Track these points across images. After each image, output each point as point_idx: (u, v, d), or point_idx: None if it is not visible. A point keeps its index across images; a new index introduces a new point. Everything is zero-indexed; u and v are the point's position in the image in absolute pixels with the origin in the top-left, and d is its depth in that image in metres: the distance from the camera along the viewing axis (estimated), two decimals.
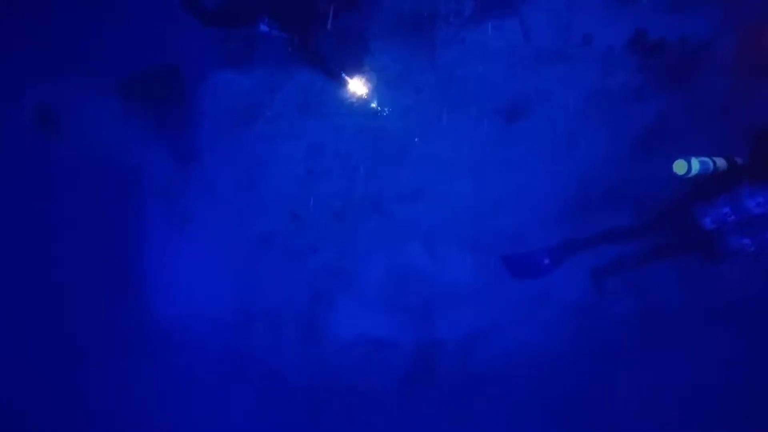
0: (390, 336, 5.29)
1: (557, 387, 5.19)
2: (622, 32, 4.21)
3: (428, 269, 5.09)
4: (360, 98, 4.36)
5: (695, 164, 2.99)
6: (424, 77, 4.35)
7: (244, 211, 5.08)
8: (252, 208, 5.05)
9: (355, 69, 4.30)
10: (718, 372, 4.80)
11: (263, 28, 4.03)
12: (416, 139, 4.63)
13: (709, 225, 3.34)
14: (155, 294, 5.40)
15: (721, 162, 3.13)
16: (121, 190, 5.04)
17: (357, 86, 4.30)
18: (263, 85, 4.60)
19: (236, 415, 5.77)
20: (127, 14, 4.75)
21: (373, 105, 4.41)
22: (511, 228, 4.86)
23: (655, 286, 4.84)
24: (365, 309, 5.20)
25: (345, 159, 4.80)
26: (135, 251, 5.20)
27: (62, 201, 5.11)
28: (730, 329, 4.70)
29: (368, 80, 4.32)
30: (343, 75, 4.21)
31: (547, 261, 4.15)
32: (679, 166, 3.00)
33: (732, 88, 4.30)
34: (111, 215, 5.05)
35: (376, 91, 4.36)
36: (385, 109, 4.42)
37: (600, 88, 4.34)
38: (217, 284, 5.41)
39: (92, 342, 5.30)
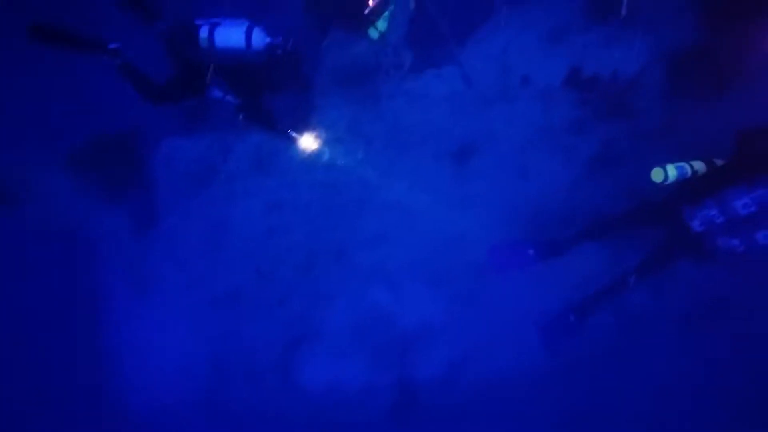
0: (367, 379, 5.29)
1: (540, 407, 5.24)
2: (557, 71, 4.36)
3: (396, 310, 5.13)
4: (312, 153, 4.43)
5: (671, 170, 3.08)
6: (373, 128, 4.44)
7: (209, 271, 5.07)
8: (216, 268, 5.04)
9: (304, 126, 4.36)
10: (697, 376, 4.90)
11: (216, 94, 4.10)
12: None
13: (697, 227, 3.35)
14: (125, 366, 5.31)
15: (699, 165, 3.20)
16: (80, 263, 4.97)
17: (308, 142, 4.36)
18: (216, 147, 4.63)
19: None
20: (77, 85, 4.74)
21: (326, 158, 4.47)
22: (474, 261, 4.95)
23: (628, 298, 4.93)
24: (338, 355, 5.20)
25: (304, 213, 4.84)
26: (99, 323, 5.10)
27: (23, 276, 5.02)
28: (707, 333, 4.81)
29: (319, 135, 4.38)
30: (293, 133, 4.27)
31: (531, 251, 4.08)
32: (656, 174, 3.08)
33: (666, 112, 4.50)
34: (72, 290, 4.97)
35: (328, 145, 4.42)
36: (339, 162, 4.48)
37: (543, 124, 4.49)
38: (187, 345, 5.35)
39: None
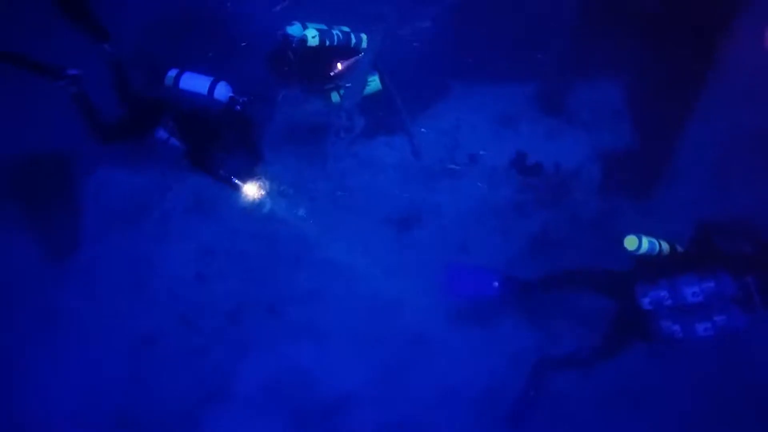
0: None
1: None
2: (504, 153, 4.53)
3: (322, 372, 4.95)
4: (254, 204, 4.34)
5: (645, 243, 3.15)
6: (318, 186, 4.42)
7: (127, 311, 4.76)
8: (135, 309, 4.74)
9: (249, 175, 4.29)
10: None
11: (161, 135, 4.03)
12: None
13: (646, 305, 3.37)
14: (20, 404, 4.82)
15: (665, 246, 3.28)
16: None
17: (251, 192, 4.28)
18: (153, 184, 4.47)
19: None
20: (17, 94, 4.50)
21: (267, 210, 4.39)
22: (409, 328, 4.89)
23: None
24: (254, 415, 4.92)
25: (238, 262, 4.69)
26: None
27: None
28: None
29: (262, 186, 4.32)
30: (236, 181, 4.20)
31: (496, 284, 3.90)
32: (630, 242, 3.16)
33: (599, 206, 4.73)
34: None
35: (270, 197, 4.35)
36: (279, 215, 4.41)
37: (487, 201, 4.60)
38: (93, 388, 4.93)
39: None
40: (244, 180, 4.29)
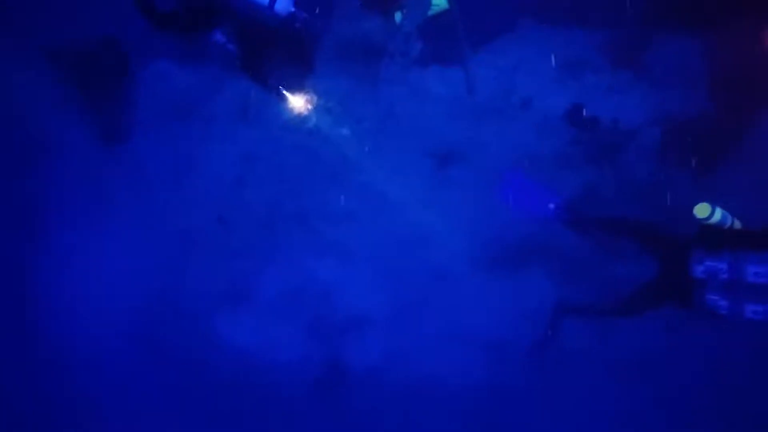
0: (296, 350, 5.27)
1: (467, 418, 5.30)
2: (560, 103, 4.32)
3: (344, 290, 5.11)
4: (300, 116, 4.33)
5: (718, 213, 3.03)
6: (365, 108, 4.35)
7: (168, 205, 4.94)
8: (176, 204, 4.92)
9: (298, 87, 4.26)
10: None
11: (219, 38, 3.99)
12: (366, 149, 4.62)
13: (698, 273, 3.21)
14: (63, 274, 5.19)
15: (737, 223, 3.15)
16: (36, 160, 4.80)
17: (298, 104, 4.27)
18: (205, 85, 4.50)
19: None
20: None
21: (312, 124, 4.38)
22: (434, 264, 4.95)
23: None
24: (274, 320, 5.17)
25: (277, 171, 4.75)
26: (42, 232, 4.96)
27: None
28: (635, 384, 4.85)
29: (310, 101, 4.29)
30: (284, 91, 4.18)
31: (552, 206, 3.88)
32: (702, 210, 3.03)
33: (652, 173, 4.51)
34: (21, 185, 4.80)
35: (317, 112, 4.33)
36: (324, 131, 4.40)
37: (533, 150, 4.45)
38: (128, 275, 5.24)
39: None
40: (292, 91, 4.27)
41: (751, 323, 3.12)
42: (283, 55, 4.12)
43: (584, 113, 4.38)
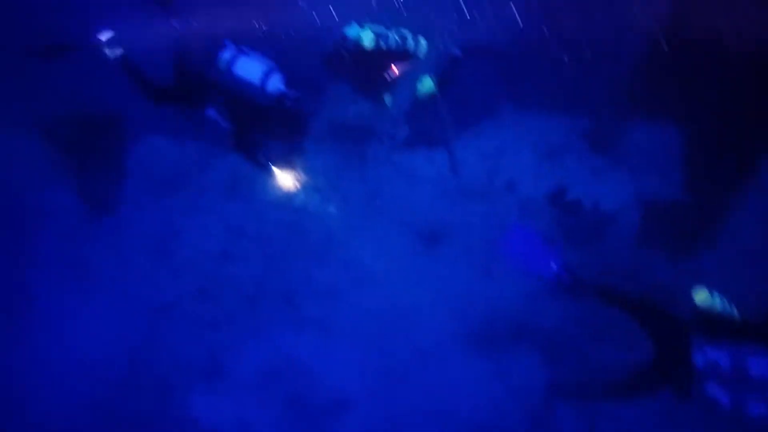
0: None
1: None
2: (543, 185, 4.44)
3: (324, 367, 4.98)
4: (288, 193, 4.39)
5: (716, 299, 2.98)
6: (353, 187, 4.43)
7: (150, 275, 4.90)
8: (158, 274, 4.88)
9: (286, 164, 4.34)
10: None
11: (211, 114, 4.09)
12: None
13: (698, 361, 3.06)
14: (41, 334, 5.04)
15: (734, 312, 3.08)
16: (23, 227, 4.78)
17: (286, 181, 4.33)
18: (194, 159, 4.59)
19: None
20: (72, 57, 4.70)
21: (299, 201, 4.43)
22: (418, 341, 4.87)
23: None
24: (250, 398, 4.99)
25: (263, 246, 4.76)
26: (23, 299, 4.87)
27: None
28: None
29: (298, 177, 4.36)
30: (273, 167, 4.25)
31: (554, 266, 3.73)
32: (700, 295, 2.99)
33: (633, 257, 4.57)
34: (6, 248, 4.76)
35: (305, 190, 4.39)
36: (310, 208, 4.45)
37: None
38: (105, 343, 5.10)
39: None
40: (281, 168, 4.34)
41: (753, 419, 3.05)
42: (274, 132, 4.22)
43: (566, 196, 4.49)
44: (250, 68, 3.89)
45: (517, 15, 5.02)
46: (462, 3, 4.91)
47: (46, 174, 4.65)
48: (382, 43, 4.33)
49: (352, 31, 4.29)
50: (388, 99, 4.50)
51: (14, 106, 4.59)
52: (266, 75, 3.85)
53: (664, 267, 4.58)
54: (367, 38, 4.26)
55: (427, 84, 4.52)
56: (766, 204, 4.45)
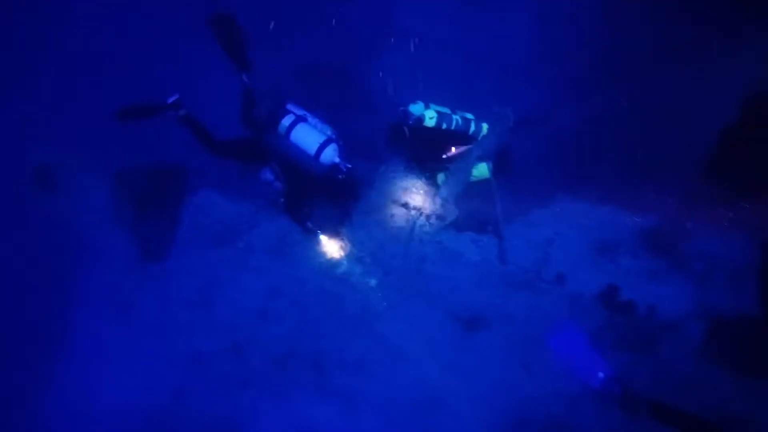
0: None
1: None
2: (594, 282, 4.22)
3: None
4: (330, 261, 4.40)
5: None
6: (395, 262, 4.37)
7: (187, 325, 4.98)
8: (195, 326, 4.95)
9: (333, 232, 4.38)
10: None
11: (267, 176, 4.23)
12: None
13: None
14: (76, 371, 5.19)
15: None
16: (77, 266, 5.03)
17: (331, 249, 4.36)
18: (246, 215, 4.70)
19: None
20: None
21: (341, 270, 4.42)
22: (442, 426, 4.62)
23: None
24: None
25: (301, 310, 4.75)
26: (65, 334, 5.06)
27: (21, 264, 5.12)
28: None
29: (343, 247, 4.37)
30: (320, 234, 4.29)
31: (601, 375, 3.50)
32: None
33: (694, 371, 4.18)
34: (57, 290, 5.00)
35: (348, 260, 4.39)
36: (352, 278, 4.42)
37: None
38: (140, 386, 5.17)
39: None
40: (328, 236, 4.39)
41: None
42: (324, 201, 4.30)
43: (619, 296, 4.23)
44: (307, 137, 4.00)
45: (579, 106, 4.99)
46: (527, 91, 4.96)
47: (106, 217, 4.91)
48: (444, 123, 4.38)
49: (417, 108, 4.37)
50: (441, 179, 4.50)
51: (91, 152, 4.94)
52: (322, 145, 3.95)
53: (729, 387, 4.14)
54: (430, 117, 4.32)
55: (482, 169, 4.50)
56: None
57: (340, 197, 4.25)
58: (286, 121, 4.05)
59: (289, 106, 4.23)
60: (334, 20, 6.02)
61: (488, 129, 4.57)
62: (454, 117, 4.47)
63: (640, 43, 5.50)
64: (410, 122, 4.35)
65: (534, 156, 4.91)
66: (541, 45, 6.04)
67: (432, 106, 4.45)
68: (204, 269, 4.84)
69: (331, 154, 3.98)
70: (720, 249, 4.34)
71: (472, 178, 4.43)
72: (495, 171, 4.52)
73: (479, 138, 4.51)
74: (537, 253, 4.31)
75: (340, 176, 3.99)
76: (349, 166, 3.97)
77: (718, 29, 5.03)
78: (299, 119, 4.10)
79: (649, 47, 5.45)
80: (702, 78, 5.19)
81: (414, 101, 4.43)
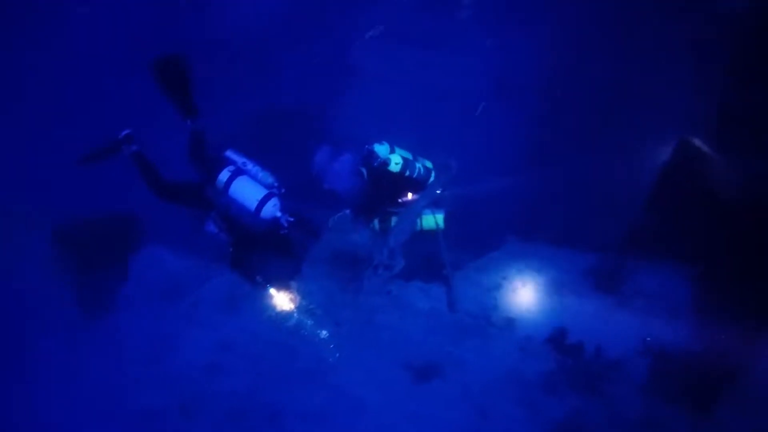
0: None
1: None
2: (543, 325, 4.29)
3: None
4: (281, 313, 4.34)
5: None
6: (346, 313, 4.35)
7: (140, 382, 4.79)
8: (141, 384, 4.76)
9: (284, 287, 4.33)
10: None
11: (211, 228, 4.12)
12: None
13: None
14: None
15: None
16: (22, 322, 4.82)
17: (282, 302, 4.30)
18: (195, 272, 4.62)
19: None
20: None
21: (292, 323, 4.37)
22: None
23: None
24: None
25: (252, 363, 4.63)
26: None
27: None
28: None
29: (293, 300, 4.32)
30: (270, 288, 4.24)
31: None
32: None
33: (643, 407, 4.26)
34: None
35: (299, 312, 4.34)
36: (303, 331, 4.37)
37: (514, 373, 4.30)
38: None
39: None
40: (278, 289, 4.34)
41: None
42: (272, 253, 4.24)
43: (567, 338, 4.31)
44: (246, 192, 3.87)
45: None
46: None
47: (50, 271, 4.74)
48: (408, 170, 4.38)
49: (382, 150, 4.34)
50: (393, 220, 4.51)
51: (31, 204, 4.78)
52: (262, 201, 3.83)
53: (681, 424, 4.24)
54: (396, 162, 4.31)
55: (431, 219, 4.55)
56: None
57: (284, 251, 4.18)
58: (224, 175, 3.91)
59: (229, 153, 4.08)
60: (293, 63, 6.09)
61: (443, 179, 4.63)
62: (417, 164, 4.49)
63: (591, 82, 5.77)
64: (375, 164, 4.33)
65: (484, 201, 5.02)
66: (498, 86, 6.28)
67: (397, 150, 4.45)
68: (152, 325, 4.69)
69: (271, 210, 3.87)
70: (657, 284, 4.50)
71: (422, 227, 4.48)
72: (446, 220, 4.57)
73: (434, 188, 4.56)
74: (486, 298, 4.36)
75: (282, 231, 3.89)
76: (292, 219, 3.88)
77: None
78: (237, 172, 3.96)
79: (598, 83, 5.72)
80: (639, 119, 5.48)
81: (380, 141, 4.41)
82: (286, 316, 4.36)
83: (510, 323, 4.36)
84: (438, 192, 4.44)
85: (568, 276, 4.59)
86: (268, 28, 6.67)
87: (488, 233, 4.77)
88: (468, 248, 4.63)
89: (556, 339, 4.31)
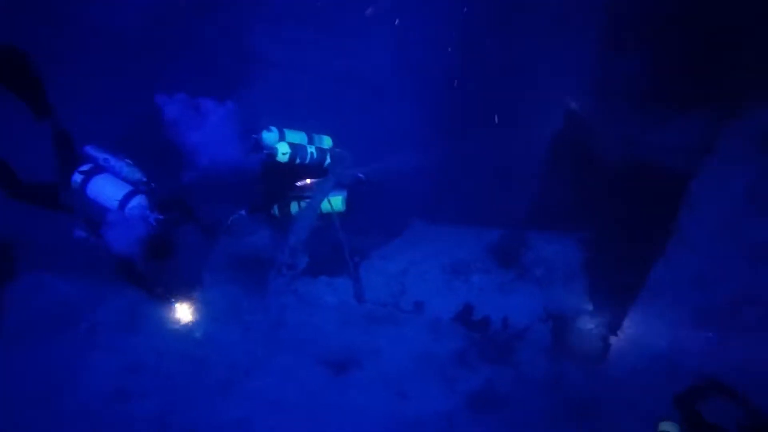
0: None
1: None
2: (451, 305, 4.41)
3: None
4: (187, 325, 4.16)
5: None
6: (254, 317, 4.26)
7: (37, 423, 4.43)
8: (46, 422, 4.41)
9: (185, 297, 4.14)
10: None
11: (80, 234, 3.73)
12: None
13: None
14: None
15: None
16: None
17: (185, 313, 4.12)
18: (86, 295, 4.31)
19: None
20: None
21: (200, 334, 4.21)
22: None
23: None
24: None
25: (163, 381, 4.43)
26: None
27: None
28: None
29: (197, 310, 4.16)
30: (172, 300, 4.04)
31: None
32: (668, 427, 3.03)
33: (548, 368, 4.53)
34: None
35: (205, 321, 4.18)
36: (212, 340, 4.22)
37: (428, 352, 4.41)
38: None
39: None
40: (180, 300, 4.14)
41: None
42: (166, 261, 3.97)
43: (474, 314, 4.47)
44: (104, 190, 3.51)
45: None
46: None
47: None
48: (297, 158, 4.23)
49: (271, 137, 4.15)
50: (294, 207, 4.38)
51: None
52: (124, 199, 3.47)
53: (578, 375, 4.55)
54: (282, 152, 4.13)
55: (335, 203, 4.50)
56: (662, 308, 4.54)
57: (162, 253, 3.74)
58: (77, 176, 3.51)
59: (88, 149, 3.67)
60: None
61: (343, 162, 4.56)
62: (309, 149, 4.34)
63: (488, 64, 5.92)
64: (261, 154, 4.17)
65: (386, 185, 5.05)
66: (399, 68, 6.30)
67: (288, 135, 4.27)
68: (44, 356, 4.34)
69: (138, 206, 3.51)
70: (553, 252, 4.76)
71: (324, 212, 4.42)
72: (347, 205, 4.53)
73: (333, 172, 4.47)
74: (393, 285, 4.42)
75: (154, 230, 3.52)
76: (161, 217, 3.52)
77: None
78: (95, 170, 3.56)
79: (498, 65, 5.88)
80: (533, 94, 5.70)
81: (268, 128, 4.22)
82: (192, 327, 4.18)
83: (419, 306, 4.44)
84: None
85: (471, 255, 4.74)
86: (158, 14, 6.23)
87: (391, 218, 4.82)
88: (372, 234, 4.66)
89: (464, 316, 4.45)
